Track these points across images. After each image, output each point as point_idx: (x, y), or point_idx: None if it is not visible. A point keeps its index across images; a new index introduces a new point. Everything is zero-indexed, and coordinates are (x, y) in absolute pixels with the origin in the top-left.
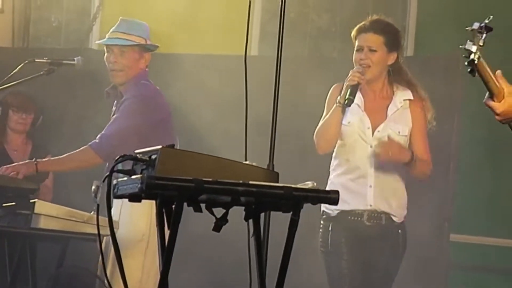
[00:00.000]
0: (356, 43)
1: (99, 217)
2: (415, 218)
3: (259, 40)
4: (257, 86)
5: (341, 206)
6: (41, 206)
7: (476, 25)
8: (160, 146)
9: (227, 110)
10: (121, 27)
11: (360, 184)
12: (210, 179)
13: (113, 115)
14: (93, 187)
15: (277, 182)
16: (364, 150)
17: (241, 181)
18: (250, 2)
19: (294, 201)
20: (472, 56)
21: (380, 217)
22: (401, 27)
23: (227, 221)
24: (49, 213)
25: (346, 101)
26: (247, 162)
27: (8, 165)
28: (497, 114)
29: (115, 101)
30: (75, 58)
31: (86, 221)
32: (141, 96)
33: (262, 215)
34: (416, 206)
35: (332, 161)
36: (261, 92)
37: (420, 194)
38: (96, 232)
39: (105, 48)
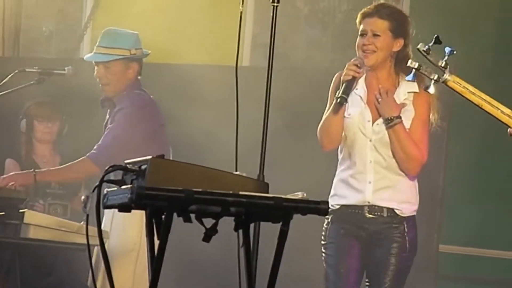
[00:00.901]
0: (360, 28)
1: (89, 227)
2: None
3: (250, 50)
4: (249, 95)
5: (341, 201)
6: (31, 216)
7: (422, 46)
8: (150, 157)
9: (221, 120)
10: (103, 41)
11: (360, 180)
12: (200, 190)
13: (106, 124)
14: (83, 197)
15: (267, 192)
16: (363, 144)
17: (231, 192)
18: (241, 13)
19: (283, 211)
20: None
21: (381, 209)
22: None
23: (217, 231)
24: (38, 223)
25: (339, 100)
26: (237, 173)
27: (5, 176)
28: None
29: (109, 110)
30: (65, 68)
31: (76, 231)
32: (135, 106)
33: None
34: None
35: (338, 154)
36: (253, 102)
37: None
38: (86, 242)
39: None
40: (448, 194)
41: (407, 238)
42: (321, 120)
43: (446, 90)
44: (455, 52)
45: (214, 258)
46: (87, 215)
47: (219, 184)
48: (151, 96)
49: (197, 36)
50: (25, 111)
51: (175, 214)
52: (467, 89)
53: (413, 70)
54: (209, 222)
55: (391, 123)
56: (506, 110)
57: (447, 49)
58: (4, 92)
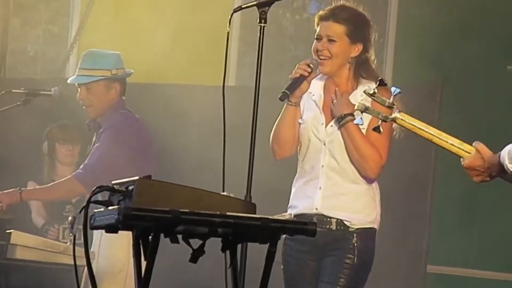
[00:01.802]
0: (316, 31)
1: (76, 248)
2: (392, 250)
3: (236, 70)
4: (235, 115)
5: (293, 210)
6: (17, 237)
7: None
8: (137, 177)
9: (207, 139)
10: (84, 63)
11: (311, 187)
12: (187, 210)
13: (93, 145)
14: (70, 218)
15: (255, 213)
16: (317, 149)
17: (218, 212)
18: (228, 33)
19: (271, 232)
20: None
21: (330, 222)
22: (378, 59)
23: (204, 252)
24: (25, 244)
25: (281, 95)
26: (224, 193)
27: None
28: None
29: (95, 132)
30: (52, 89)
31: (62, 251)
32: (120, 125)
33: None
34: (392, 236)
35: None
36: (241, 121)
37: (397, 225)
38: (73, 262)
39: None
40: (437, 213)
41: (356, 253)
42: None
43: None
44: (400, 93)
45: (203, 277)
46: (74, 236)
47: (206, 204)
48: (137, 116)
49: (185, 56)
50: (47, 134)
51: (162, 235)
52: (414, 125)
53: (361, 113)
54: (196, 242)
55: (342, 121)
56: (455, 141)
57: (393, 89)
58: None
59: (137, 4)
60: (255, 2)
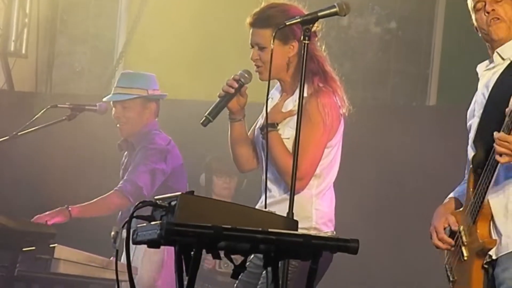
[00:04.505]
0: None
1: (118, 262)
2: None
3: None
4: None
5: None
6: (61, 251)
7: None
8: (179, 193)
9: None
10: (121, 82)
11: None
12: (229, 226)
13: (124, 166)
14: (112, 233)
15: (297, 230)
16: (262, 159)
17: (260, 229)
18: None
19: (313, 249)
20: None
21: None
22: (424, 75)
23: (245, 268)
24: (68, 258)
25: (203, 120)
26: (266, 210)
27: (41, 215)
28: None
29: (126, 153)
30: (97, 104)
31: (105, 266)
32: (155, 145)
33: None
34: None
35: None
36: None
37: None
38: (115, 277)
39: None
40: None
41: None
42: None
43: None
44: None
45: None
46: (117, 251)
47: (248, 220)
48: (169, 137)
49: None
50: (206, 166)
51: (204, 251)
52: None
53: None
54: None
55: (262, 131)
56: None
57: None
58: (36, 127)
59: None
60: (299, 20)
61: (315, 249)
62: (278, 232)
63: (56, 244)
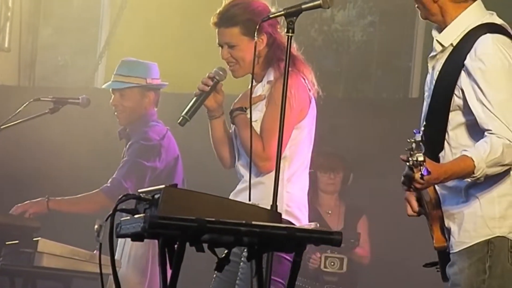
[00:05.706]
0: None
1: (102, 256)
2: None
3: None
4: None
5: None
6: (44, 245)
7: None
8: (163, 186)
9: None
10: (120, 70)
11: (242, 198)
12: (213, 219)
13: (124, 157)
14: (96, 226)
15: (280, 222)
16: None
17: (244, 221)
18: (255, 43)
19: (297, 241)
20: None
21: None
22: (407, 68)
23: (229, 261)
24: (52, 252)
25: (180, 119)
26: (250, 203)
27: (19, 204)
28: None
29: (126, 142)
30: (80, 97)
31: (88, 260)
32: (148, 141)
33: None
34: None
35: None
36: None
37: None
38: (98, 271)
39: (110, 91)
40: None
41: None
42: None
43: None
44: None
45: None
46: (100, 244)
47: (232, 213)
48: (167, 127)
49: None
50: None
51: (187, 243)
52: None
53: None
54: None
55: (231, 115)
56: None
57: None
58: (19, 121)
59: (167, 13)
60: (283, 12)
61: (299, 241)
62: (262, 225)
63: (39, 238)
